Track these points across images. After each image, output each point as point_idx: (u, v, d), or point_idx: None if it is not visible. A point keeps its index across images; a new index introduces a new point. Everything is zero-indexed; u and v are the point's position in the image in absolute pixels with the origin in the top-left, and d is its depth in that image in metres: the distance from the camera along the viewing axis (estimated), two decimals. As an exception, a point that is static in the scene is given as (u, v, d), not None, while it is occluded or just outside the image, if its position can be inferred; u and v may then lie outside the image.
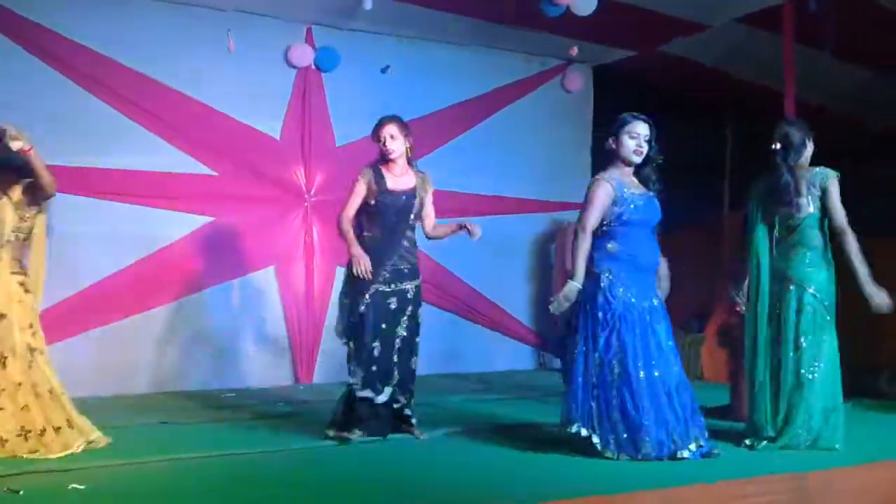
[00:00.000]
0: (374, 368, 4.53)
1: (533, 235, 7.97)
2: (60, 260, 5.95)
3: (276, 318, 6.93)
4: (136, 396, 6.11)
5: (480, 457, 4.22)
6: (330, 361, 6.95)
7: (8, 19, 6.02)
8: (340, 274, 6.89)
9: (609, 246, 4.20)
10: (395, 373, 4.63)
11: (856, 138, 7.64)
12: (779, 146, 4.41)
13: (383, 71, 7.15)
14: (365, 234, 4.64)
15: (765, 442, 4.30)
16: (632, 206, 4.18)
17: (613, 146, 4.25)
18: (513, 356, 7.80)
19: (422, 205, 4.71)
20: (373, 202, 4.61)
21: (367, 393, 4.52)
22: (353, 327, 4.60)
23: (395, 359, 4.62)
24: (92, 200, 6.24)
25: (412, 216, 4.68)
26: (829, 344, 4.33)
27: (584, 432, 4.02)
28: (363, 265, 4.48)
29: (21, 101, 5.95)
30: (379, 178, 4.63)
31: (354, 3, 6.41)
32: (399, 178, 4.65)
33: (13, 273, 4.22)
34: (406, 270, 4.64)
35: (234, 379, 6.56)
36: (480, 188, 7.51)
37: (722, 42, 7.28)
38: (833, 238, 4.36)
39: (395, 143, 4.60)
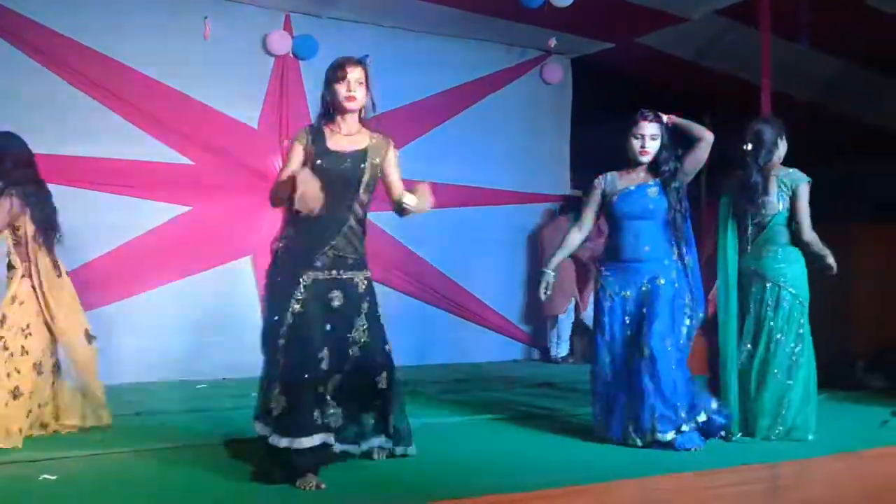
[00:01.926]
0: (304, 397, 3.44)
1: (510, 226, 7.97)
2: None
3: (252, 307, 6.85)
4: (110, 386, 6.01)
5: (451, 447, 4.21)
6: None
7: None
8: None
9: (607, 244, 4.43)
10: (356, 401, 3.66)
11: (836, 130, 7.71)
12: (750, 145, 4.43)
13: (362, 60, 7.09)
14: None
15: (739, 434, 4.32)
16: (615, 198, 4.25)
17: (627, 146, 4.31)
18: (490, 347, 7.80)
19: (374, 173, 3.70)
20: (309, 166, 3.59)
21: (288, 441, 3.40)
22: (275, 331, 3.53)
23: (356, 380, 3.63)
24: (68, 189, 6.09)
25: (360, 187, 3.65)
26: (804, 338, 4.37)
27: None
28: (309, 194, 3.39)
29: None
30: (318, 137, 3.67)
31: (333, -8, 6.37)
32: (345, 138, 3.68)
33: None
34: (351, 260, 3.64)
35: (209, 369, 6.52)
36: (459, 178, 7.48)
37: (701, 35, 7.32)
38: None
39: (360, 90, 3.68)
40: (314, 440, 3.42)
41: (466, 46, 7.69)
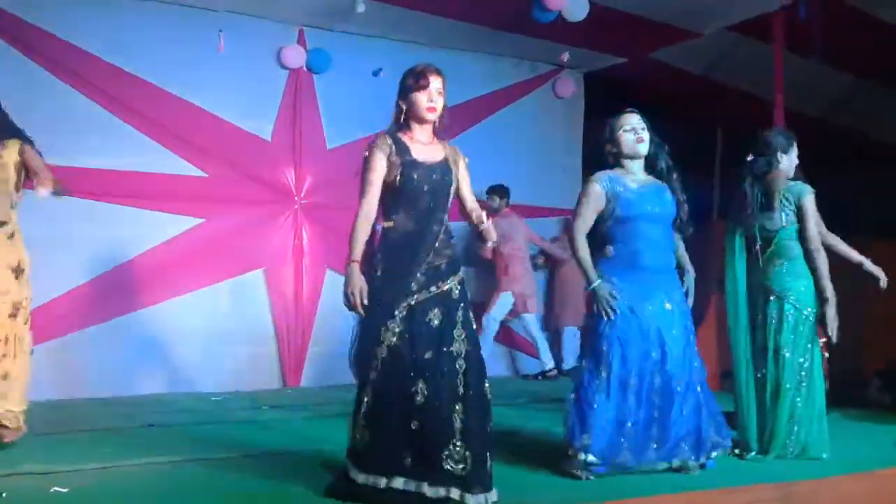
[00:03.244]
0: (398, 435, 3.24)
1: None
2: (50, 260, 5.93)
3: (264, 320, 6.90)
4: (123, 397, 6.07)
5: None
6: (318, 365, 6.95)
7: (3, 20, 5.99)
8: (331, 278, 6.98)
9: (605, 250, 3.95)
10: (458, 432, 3.24)
11: (846, 146, 7.70)
12: (751, 155, 4.42)
13: (375, 74, 7.13)
14: (385, 224, 3.44)
15: (753, 452, 4.30)
16: (623, 198, 3.91)
17: (614, 149, 4.01)
18: (497, 362, 7.76)
19: (458, 183, 3.57)
20: (396, 179, 3.39)
21: (365, 478, 3.28)
22: (368, 361, 3.33)
23: (458, 407, 3.26)
24: (82, 201, 6.17)
25: (449, 198, 3.51)
26: (811, 353, 4.34)
27: (579, 443, 3.79)
28: (356, 295, 3.29)
29: (9, 100, 5.89)
30: (400, 147, 3.43)
31: (347, 6, 6.41)
32: (425, 148, 3.48)
33: None
34: (444, 266, 3.40)
35: (221, 382, 6.53)
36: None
37: (713, 50, 7.32)
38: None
39: (440, 101, 3.45)
40: (393, 482, 3.23)
41: (479, 60, 7.71)
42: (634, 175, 4.01)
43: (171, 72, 6.52)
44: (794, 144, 4.47)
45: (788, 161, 4.44)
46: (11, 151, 4.39)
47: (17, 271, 4.30)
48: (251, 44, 6.84)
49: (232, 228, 6.74)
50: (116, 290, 6.30)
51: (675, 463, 3.84)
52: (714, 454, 3.94)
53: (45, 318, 5.94)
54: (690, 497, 3.49)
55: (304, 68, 7.05)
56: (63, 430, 4.83)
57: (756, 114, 6.47)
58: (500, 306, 7.35)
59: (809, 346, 4.33)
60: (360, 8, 6.34)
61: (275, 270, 6.94)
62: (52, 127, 5.98)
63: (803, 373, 4.30)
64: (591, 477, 3.75)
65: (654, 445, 3.80)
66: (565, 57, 7.50)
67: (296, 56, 6.99)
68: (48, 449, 4.28)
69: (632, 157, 4.01)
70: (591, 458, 3.74)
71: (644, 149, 3.99)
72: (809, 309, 4.33)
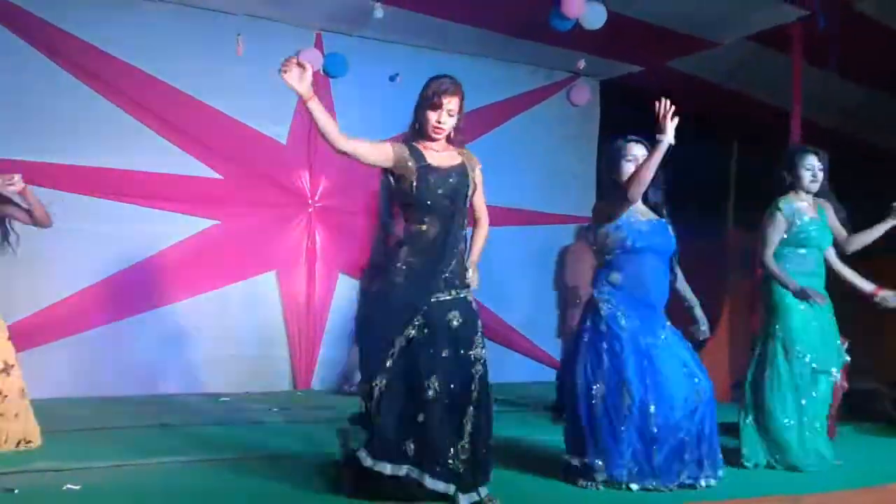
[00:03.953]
0: (405, 424, 3.35)
1: (535, 247, 7.95)
2: (64, 258, 6.02)
3: (275, 323, 6.92)
4: (135, 397, 6.11)
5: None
6: (328, 368, 6.97)
7: (22, 19, 6.05)
8: (343, 281, 7.01)
9: (612, 277, 3.94)
10: (467, 434, 3.37)
11: (861, 157, 7.65)
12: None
13: (391, 79, 7.16)
14: (416, 227, 3.46)
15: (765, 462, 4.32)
16: (634, 230, 3.91)
17: (614, 177, 3.98)
18: (514, 369, 7.76)
19: (475, 188, 3.61)
20: (412, 185, 3.43)
21: (372, 462, 3.37)
22: (384, 351, 3.37)
23: (471, 410, 3.37)
24: (98, 200, 6.25)
25: (467, 201, 3.55)
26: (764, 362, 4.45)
27: (579, 462, 3.83)
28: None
29: (31, 101, 6.02)
30: (416, 153, 3.47)
31: (365, 11, 6.44)
32: (440, 154, 3.52)
33: None
34: (458, 280, 3.49)
35: (232, 383, 6.56)
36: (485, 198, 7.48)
37: (730, 60, 7.30)
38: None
39: (451, 121, 3.49)
40: (400, 470, 3.31)
41: (494, 67, 7.72)
42: (638, 206, 4.01)
43: (188, 74, 6.57)
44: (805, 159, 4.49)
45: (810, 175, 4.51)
46: None
47: None
48: (269, 47, 6.83)
49: (246, 230, 6.78)
50: (131, 290, 6.34)
51: (687, 480, 3.82)
52: (720, 472, 3.92)
53: (60, 315, 6.04)
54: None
55: (321, 72, 7.08)
56: (76, 428, 4.87)
57: (773, 124, 6.46)
58: None
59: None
60: (378, 13, 6.37)
61: (287, 273, 6.96)
62: (72, 127, 6.08)
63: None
64: (600, 487, 3.75)
65: (680, 464, 3.79)
66: (581, 64, 7.51)
67: (313, 60, 7.01)
68: (61, 446, 4.31)
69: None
70: (599, 475, 3.76)
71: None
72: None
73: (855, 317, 4.33)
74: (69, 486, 3.54)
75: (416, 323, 3.36)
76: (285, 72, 3.31)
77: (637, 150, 3.97)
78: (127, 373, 6.32)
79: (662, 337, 3.92)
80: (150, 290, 6.43)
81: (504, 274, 7.59)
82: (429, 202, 3.43)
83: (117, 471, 3.92)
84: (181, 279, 6.54)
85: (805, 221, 4.40)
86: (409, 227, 3.47)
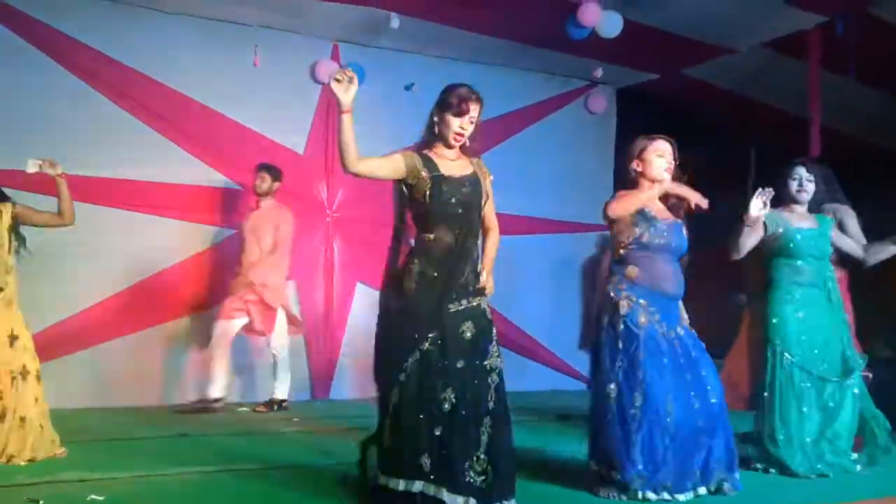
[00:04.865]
0: (421, 439, 3.26)
1: (554, 256, 7.94)
2: (85, 269, 6.06)
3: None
4: (154, 408, 6.13)
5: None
6: (346, 378, 6.97)
7: (39, 31, 6.12)
8: (361, 291, 7.02)
9: (628, 270, 3.89)
10: (483, 445, 3.29)
11: (881, 164, 7.61)
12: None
13: (407, 88, 7.18)
14: (427, 237, 3.43)
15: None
16: (652, 228, 3.89)
17: (639, 168, 3.97)
18: (534, 378, 7.74)
19: (487, 198, 3.58)
20: (426, 194, 3.41)
21: (385, 479, 3.33)
22: (397, 364, 3.33)
23: (487, 421, 3.31)
24: (116, 211, 6.30)
25: (481, 211, 3.54)
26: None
27: (603, 468, 3.78)
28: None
29: (49, 112, 6.06)
30: (428, 163, 3.45)
31: (381, 22, 6.47)
32: (452, 163, 3.49)
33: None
34: (472, 287, 3.44)
35: (250, 393, 6.58)
36: (501, 207, 7.34)
37: (747, 66, 7.28)
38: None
39: (471, 129, 3.48)
40: (412, 486, 3.25)
41: (511, 75, 7.73)
42: (657, 204, 4.00)
43: (206, 85, 6.62)
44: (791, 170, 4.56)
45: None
46: (4, 215, 4.34)
47: (12, 338, 4.26)
48: (286, 58, 6.91)
49: (264, 241, 6.79)
50: (151, 300, 6.37)
51: (713, 486, 3.79)
52: (736, 475, 3.86)
53: (81, 327, 6.08)
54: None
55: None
56: (99, 439, 4.90)
57: (790, 131, 6.43)
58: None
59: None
60: (395, 23, 6.40)
61: (305, 283, 6.98)
62: (89, 138, 6.13)
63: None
64: (619, 496, 3.71)
65: (696, 470, 3.75)
66: (599, 72, 7.50)
67: (330, 71, 7.04)
68: (85, 457, 4.34)
69: (653, 183, 3.97)
70: (630, 485, 3.69)
71: (668, 178, 3.96)
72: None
73: (882, 322, 4.29)
74: (93, 496, 3.55)
75: (429, 336, 3.31)
76: (338, 81, 3.30)
77: (668, 148, 3.97)
78: (145, 384, 6.35)
79: (681, 333, 3.90)
80: (171, 301, 6.47)
81: (523, 283, 7.59)
82: (442, 212, 3.40)
83: (140, 481, 3.93)
84: (200, 290, 6.57)
85: (790, 230, 4.43)
86: (422, 236, 3.44)
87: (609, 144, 8.27)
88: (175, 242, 6.52)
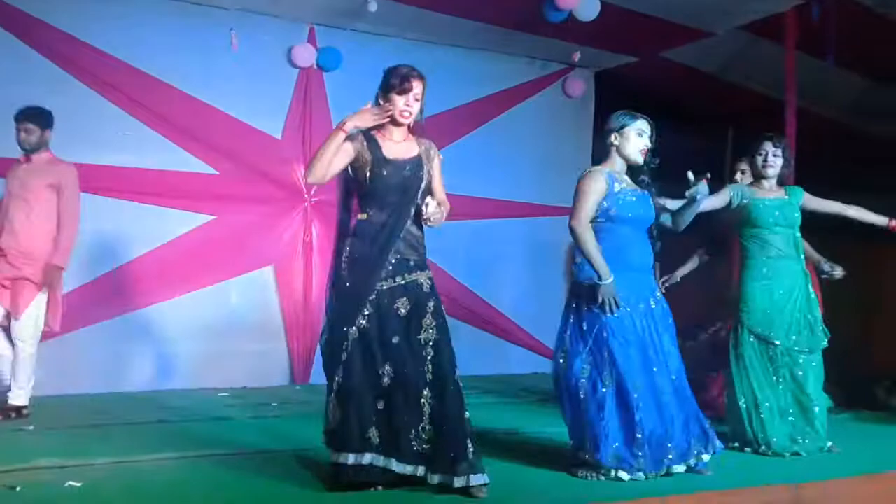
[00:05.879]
0: (359, 412, 3.41)
1: (532, 240, 7.95)
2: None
3: (273, 317, 6.92)
4: (132, 394, 6.11)
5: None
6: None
7: (20, 19, 6.04)
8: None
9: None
10: (426, 416, 3.41)
11: (860, 148, 7.66)
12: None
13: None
14: (360, 216, 3.58)
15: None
16: (621, 201, 3.89)
17: (616, 143, 3.97)
18: (514, 361, 7.77)
19: (430, 179, 3.67)
20: (367, 176, 3.54)
21: (336, 455, 3.45)
22: (339, 344, 3.47)
23: (427, 393, 3.42)
24: (92, 197, 6.20)
25: (419, 193, 3.61)
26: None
27: (580, 449, 3.81)
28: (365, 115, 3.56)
29: (27, 99, 5.93)
30: (372, 144, 3.56)
31: (358, 5, 6.43)
32: (398, 145, 3.62)
33: None
34: (412, 262, 3.57)
35: (230, 378, 6.55)
36: (480, 191, 7.48)
37: (725, 50, 7.31)
38: None
39: (416, 106, 3.62)
40: (362, 458, 3.39)
41: (489, 59, 7.71)
42: (625, 177, 4.01)
43: (182, 69, 6.54)
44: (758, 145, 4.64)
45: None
46: None
47: None
48: (262, 42, 6.85)
49: (242, 225, 6.76)
50: (128, 286, 6.33)
51: (691, 462, 3.83)
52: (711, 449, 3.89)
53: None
54: (701, 497, 3.49)
55: (315, 66, 7.06)
56: (75, 425, 4.87)
57: (768, 114, 6.46)
58: None
59: None
60: (373, 6, 6.36)
61: (284, 267, 6.96)
62: (64, 124, 5.98)
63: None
64: (602, 478, 3.74)
65: (669, 446, 3.77)
66: (577, 56, 7.50)
67: (306, 54, 7.00)
68: (61, 443, 4.31)
69: (627, 160, 3.99)
70: (604, 464, 3.71)
71: (641, 160, 3.97)
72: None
73: (852, 307, 4.34)
74: (71, 483, 3.53)
75: (366, 313, 3.46)
76: (374, 115, 3.55)
77: (647, 128, 3.98)
78: (124, 369, 6.32)
79: (653, 306, 3.90)
80: (148, 287, 6.42)
81: (503, 266, 7.61)
82: (380, 193, 3.54)
83: (117, 467, 3.91)
84: (178, 275, 6.53)
85: (754, 200, 4.53)
86: (357, 217, 3.59)
87: (587, 128, 8.26)
88: (152, 228, 6.45)
